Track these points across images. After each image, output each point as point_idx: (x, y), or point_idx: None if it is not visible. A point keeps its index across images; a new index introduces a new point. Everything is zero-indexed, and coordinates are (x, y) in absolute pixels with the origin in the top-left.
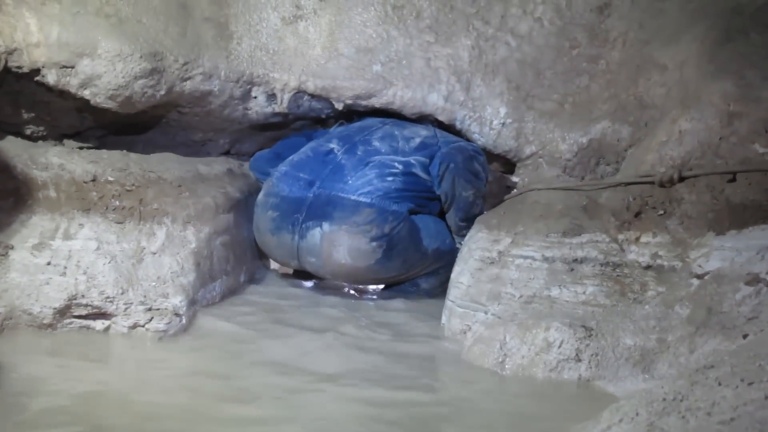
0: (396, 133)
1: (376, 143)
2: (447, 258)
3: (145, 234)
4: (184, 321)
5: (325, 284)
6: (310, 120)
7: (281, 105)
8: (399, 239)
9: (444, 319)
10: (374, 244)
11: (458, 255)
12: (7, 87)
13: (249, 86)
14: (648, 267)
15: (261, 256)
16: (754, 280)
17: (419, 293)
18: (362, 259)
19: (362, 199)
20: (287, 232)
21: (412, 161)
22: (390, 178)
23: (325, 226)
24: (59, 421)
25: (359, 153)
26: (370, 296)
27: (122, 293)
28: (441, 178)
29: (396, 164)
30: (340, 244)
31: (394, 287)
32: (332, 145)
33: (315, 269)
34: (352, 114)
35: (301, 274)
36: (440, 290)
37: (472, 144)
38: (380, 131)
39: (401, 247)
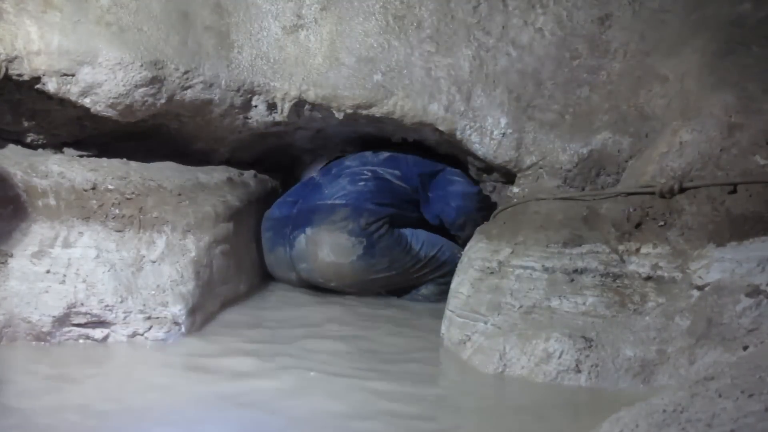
0: (367, 153)
1: (348, 162)
2: (446, 268)
3: (144, 242)
4: (183, 329)
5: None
6: (310, 130)
7: (282, 114)
8: (379, 237)
9: (443, 329)
10: (353, 239)
11: (458, 265)
12: (8, 95)
13: (249, 95)
14: (648, 278)
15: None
16: (754, 291)
17: (416, 297)
18: (344, 254)
19: (337, 201)
20: (280, 246)
21: (380, 171)
22: (361, 183)
23: (308, 230)
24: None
25: (333, 171)
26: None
27: (121, 302)
28: (462, 227)
29: (365, 172)
30: (323, 242)
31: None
32: (314, 174)
33: (308, 275)
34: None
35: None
36: (438, 297)
37: (473, 186)
38: (355, 156)
39: (384, 246)
